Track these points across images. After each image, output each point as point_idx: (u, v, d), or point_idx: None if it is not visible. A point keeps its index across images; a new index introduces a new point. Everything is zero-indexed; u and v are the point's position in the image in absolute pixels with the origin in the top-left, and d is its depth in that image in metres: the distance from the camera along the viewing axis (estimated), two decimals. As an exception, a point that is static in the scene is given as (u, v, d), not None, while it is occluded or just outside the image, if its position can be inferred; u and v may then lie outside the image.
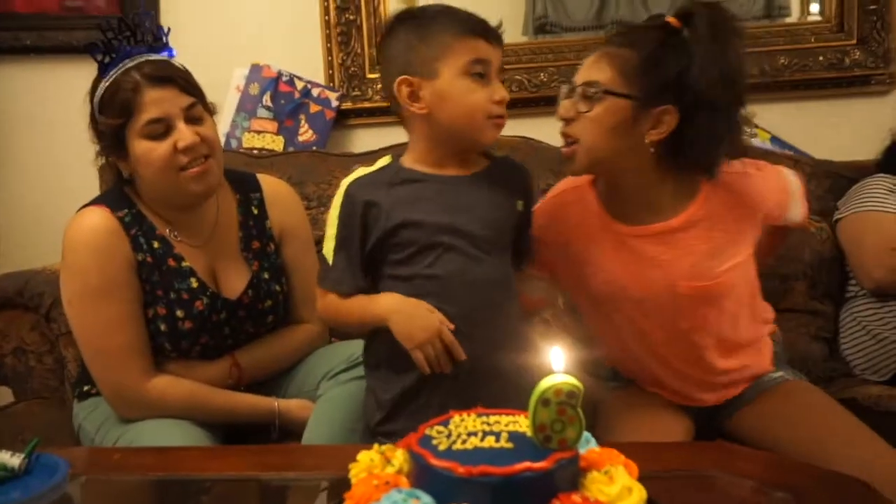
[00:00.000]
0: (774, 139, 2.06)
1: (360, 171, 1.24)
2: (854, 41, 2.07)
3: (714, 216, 1.25)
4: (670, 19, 1.20)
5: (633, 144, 1.19)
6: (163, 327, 1.36)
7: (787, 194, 1.34)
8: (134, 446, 1.25)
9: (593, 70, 1.21)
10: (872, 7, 2.05)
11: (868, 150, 1.97)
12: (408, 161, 1.24)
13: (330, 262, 1.22)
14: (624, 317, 1.31)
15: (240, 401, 1.41)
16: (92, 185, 1.94)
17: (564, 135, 1.23)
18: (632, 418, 1.33)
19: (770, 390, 1.37)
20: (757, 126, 1.96)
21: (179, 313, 1.36)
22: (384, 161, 1.25)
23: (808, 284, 1.83)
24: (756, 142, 1.97)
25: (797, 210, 1.36)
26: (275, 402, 1.41)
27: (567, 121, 1.22)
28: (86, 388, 1.45)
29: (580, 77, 1.22)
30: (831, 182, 1.89)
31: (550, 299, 1.57)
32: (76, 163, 2.16)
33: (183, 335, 1.37)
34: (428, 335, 1.14)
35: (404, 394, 1.20)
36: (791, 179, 1.36)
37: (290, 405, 1.42)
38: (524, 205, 1.26)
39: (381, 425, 1.23)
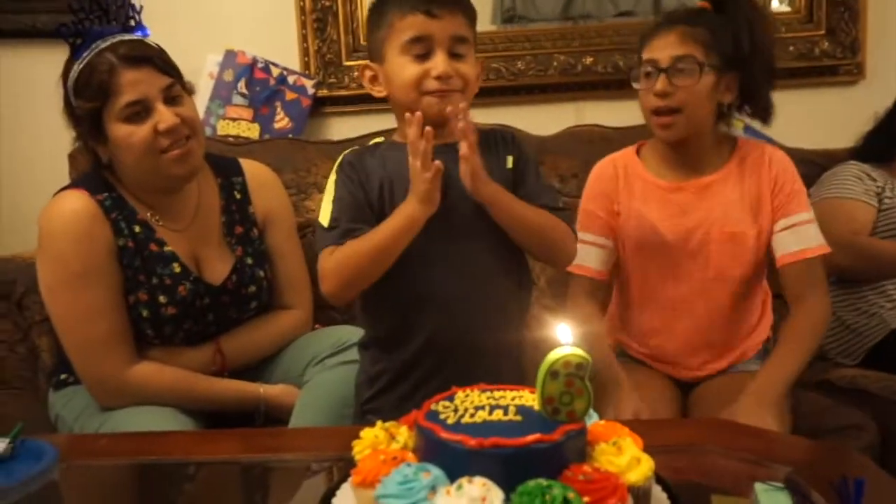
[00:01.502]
0: (748, 128, 2.09)
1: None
2: (823, 32, 2.12)
3: (745, 172, 1.43)
4: (703, 4, 1.43)
5: (713, 107, 1.41)
6: (145, 313, 1.34)
7: (800, 189, 1.44)
8: (120, 431, 1.22)
9: (680, 47, 1.37)
10: (841, -2, 2.10)
11: (837, 138, 2.02)
12: (397, 137, 1.28)
13: (327, 224, 1.19)
14: (658, 266, 1.44)
15: (224, 387, 1.39)
16: (62, 172, 1.89)
17: (663, 107, 1.37)
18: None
19: (728, 376, 1.45)
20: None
21: (162, 299, 1.34)
22: (377, 140, 1.30)
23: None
24: (733, 131, 2.00)
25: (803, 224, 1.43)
26: (260, 388, 1.40)
27: (663, 95, 1.36)
28: (62, 376, 1.42)
29: (665, 54, 1.37)
30: (805, 170, 1.91)
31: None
32: (45, 149, 2.12)
33: (166, 321, 1.35)
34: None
35: (394, 371, 1.21)
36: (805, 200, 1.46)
37: (275, 391, 1.40)
38: (514, 160, 1.25)
39: (369, 403, 1.24)
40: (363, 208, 1.19)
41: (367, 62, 1.25)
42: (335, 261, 1.16)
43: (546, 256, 1.26)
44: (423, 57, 1.17)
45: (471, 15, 1.22)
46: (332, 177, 1.24)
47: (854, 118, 1.99)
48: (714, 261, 1.42)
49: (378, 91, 1.24)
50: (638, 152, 1.52)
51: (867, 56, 2.13)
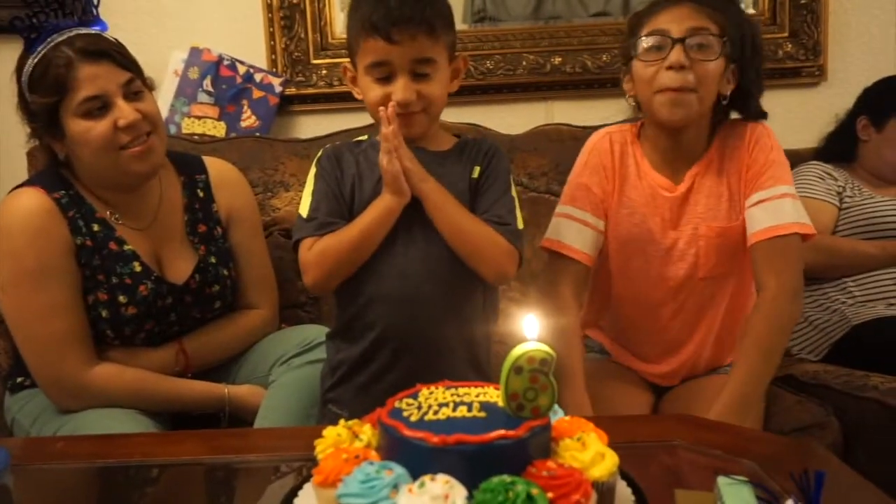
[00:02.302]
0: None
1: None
2: (786, 34, 2.15)
3: (724, 157, 1.34)
4: None
5: (715, 96, 1.30)
6: (104, 313, 1.31)
7: (777, 161, 1.32)
8: (78, 434, 1.19)
9: (696, 19, 1.25)
10: (804, 2, 2.13)
11: (799, 139, 2.06)
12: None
13: (306, 215, 1.22)
14: (643, 261, 1.37)
15: (187, 388, 1.36)
16: (20, 170, 1.84)
17: (683, 85, 1.24)
18: (601, 390, 1.36)
19: (704, 379, 1.43)
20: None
21: (122, 299, 1.31)
22: (361, 137, 1.31)
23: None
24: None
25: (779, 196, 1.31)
26: (224, 389, 1.37)
27: (679, 69, 1.24)
28: (19, 379, 1.38)
29: (679, 25, 1.25)
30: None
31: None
32: (2, 146, 2.07)
33: (126, 321, 1.32)
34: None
35: (352, 362, 1.23)
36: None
37: (240, 391, 1.38)
38: (480, 170, 1.25)
39: (331, 391, 1.26)
40: (339, 201, 1.22)
41: (345, 64, 1.26)
42: (317, 253, 1.19)
43: (475, 267, 1.19)
44: (386, 80, 1.18)
45: (436, 32, 1.17)
46: (312, 169, 1.27)
47: (816, 119, 2.03)
48: (703, 260, 1.34)
49: (357, 93, 1.24)
50: (639, 134, 1.40)
51: (828, 58, 2.17)
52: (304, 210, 1.23)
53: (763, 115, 1.37)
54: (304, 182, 1.87)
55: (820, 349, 1.75)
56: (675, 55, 1.23)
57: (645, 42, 1.28)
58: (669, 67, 1.24)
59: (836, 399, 1.43)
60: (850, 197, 1.83)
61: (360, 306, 1.21)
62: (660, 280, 1.37)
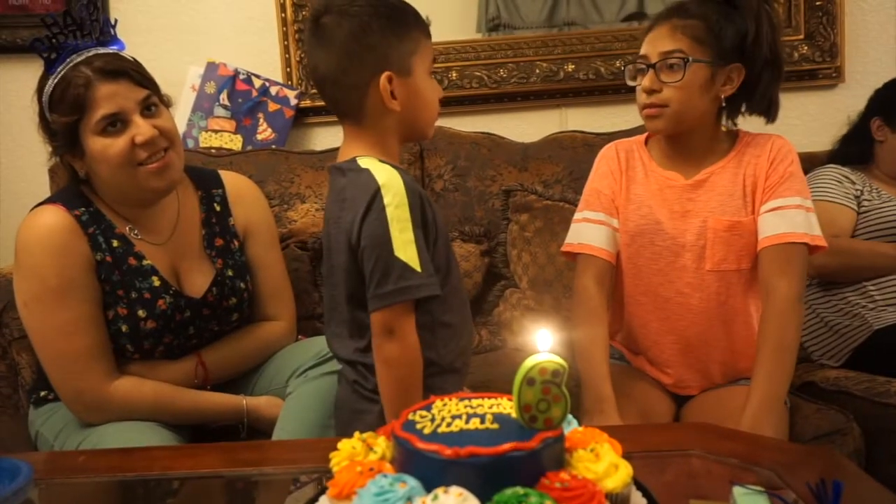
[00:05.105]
0: (729, 132, 2.11)
1: (388, 170, 1.14)
2: (802, 36, 2.14)
3: (743, 161, 1.38)
4: None
5: (710, 101, 1.35)
6: (124, 328, 1.32)
7: (796, 174, 1.35)
8: (99, 448, 1.21)
9: (669, 41, 1.33)
10: (819, 3, 2.12)
11: (817, 141, 2.05)
12: (384, 156, 1.19)
13: (418, 267, 1.10)
14: (653, 253, 1.40)
15: (206, 400, 1.37)
16: (42, 187, 1.88)
17: (651, 105, 1.34)
18: (626, 389, 1.37)
19: (724, 389, 1.41)
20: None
21: (141, 313, 1.32)
22: (369, 162, 1.16)
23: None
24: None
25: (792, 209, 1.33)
26: (243, 401, 1.38)
27: (650, 92, 1.34)
28: (42, 393, 1.40)
29: (655, 49, 1.33)
30: (784, 172, 1.93)
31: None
32: (25, 164, 2.12)
33: (145, 335, 1.33)
34: None
35: None
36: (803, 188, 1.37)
37: (258, 403, 1.39)
38: None
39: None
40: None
41: (389, 72, 1.15)
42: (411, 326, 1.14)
43: None
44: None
45: None
46: (397, 199, 1.11)
47: (834, 121, 2.01)
48: (710, 252, 1.35)
49: (395, 105, 1.16)
50: (647, 142, 1.48)
51: (845, 60, 2.15)
52: (410, 257, 1.11)
53: (772, 108, 1.37)
54: (320, 194, 1.90)
55: (841, 355, 1.73)
56: (646, 80, 1.34)
57: (630, 69, 1.42)
58: (643, 90, 1.35)
59: (858, 406, 1.41)
60: (868, 200, 1.80)
61: None
62: (668, 271, 1.39)
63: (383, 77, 1.15)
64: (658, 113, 1.34)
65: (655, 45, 1.34)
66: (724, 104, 1.37)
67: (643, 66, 1.35)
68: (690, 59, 1.30)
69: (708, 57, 1.31)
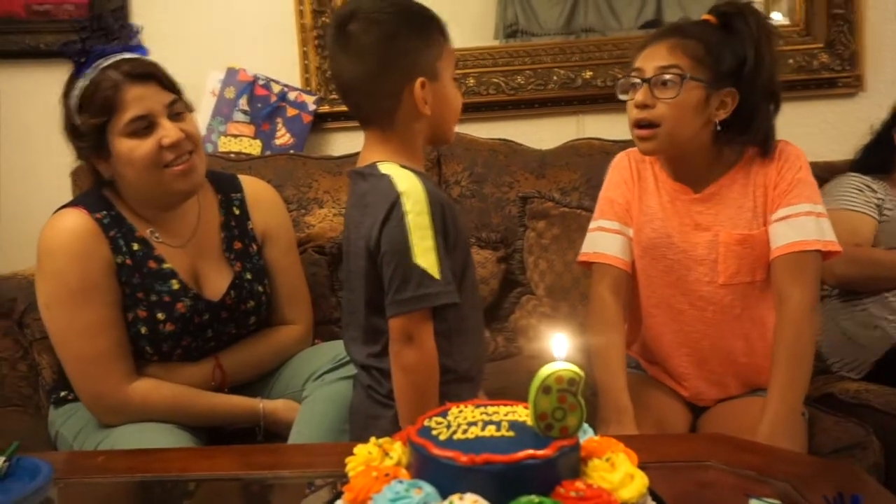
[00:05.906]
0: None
1: (409, 176, 1.14)
2: (821, 45, 2.13)
3: (751, 172, 1.35)
4: (708, 17, 1.34)
5: (703, 123, 1.31)
6: (143, 330, 1.34)
7: (805, 180, 1.33)
8: (118, 449, 1.22)
9: (667, 57, 1.30)
10: (838, 11, 2.10)
11: (837, 150, 2.03)
12: (408, 161, 1.19)
13: (437, 274, 1.10)
14: (665, 266, 1.39)
15: (224, 402, 1.38)
16: (65, 190, 1.91)
17: (642, 119, 1.31)
18: (643, 398, 1.36)
19: (740, 400, 1.40)
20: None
21: (160, 316, 1.34)
22: (390, 168, 1.16)
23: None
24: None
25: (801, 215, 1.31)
26: (259, 404, 1.39)
27: (643, 107, 1.30)
28: (62, 393, 1.42)
29: (651, 64, 1.30)
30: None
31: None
32: (48, 167, 2.14)
33: (164, 338, 1.35)
34: None
35: None
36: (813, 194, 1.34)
37: (275, 406, 1.40)
38: None
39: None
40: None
41: (422, 78, 1.15)
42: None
43: None
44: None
45: None
46: (419, 207, 1.11)
47: (854, 130, 1.99)
48: (722, 266, 1.34)
49: (426, 110, 1.16)
50: None
51: (866, 68, 2.13)
52: (430, 265, 1.11)
53: (767, 138, 1.33)
54: (338, 199, 1.91)
55: (861, 367, 1.71)
56: (640, 95, 1.31)
57: (622, 83, 1.36)
58: (636, 105, 1.32)
59: (878, 419, 1.39)
60: (889, 210, 1.79)
61: None
62: (681, 285, 1.38)
63: (418, 83, 1.14)
64: (650, 135, 1.31)
65: (652, 59, 1.31)
66: (718, 127, 1.32)
67: (637, 80, 1.32)
68: (688, 75, 1.27)
69: (705, 77, 1.28)
